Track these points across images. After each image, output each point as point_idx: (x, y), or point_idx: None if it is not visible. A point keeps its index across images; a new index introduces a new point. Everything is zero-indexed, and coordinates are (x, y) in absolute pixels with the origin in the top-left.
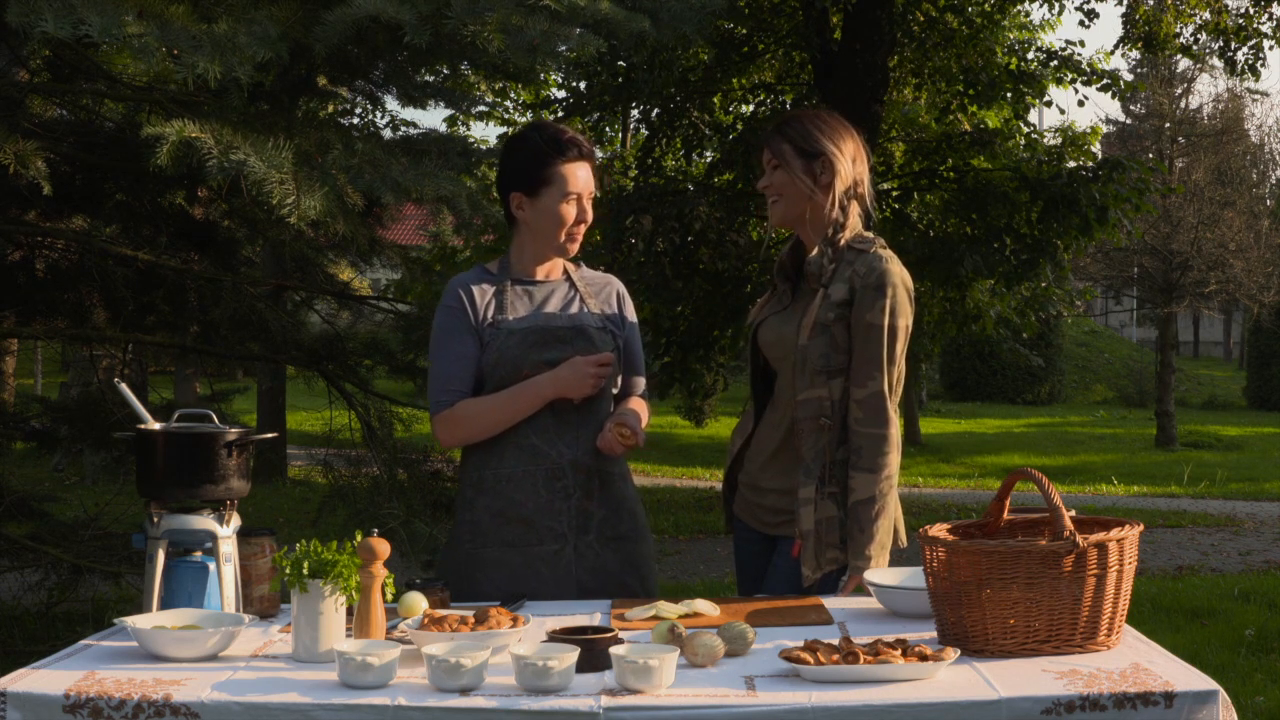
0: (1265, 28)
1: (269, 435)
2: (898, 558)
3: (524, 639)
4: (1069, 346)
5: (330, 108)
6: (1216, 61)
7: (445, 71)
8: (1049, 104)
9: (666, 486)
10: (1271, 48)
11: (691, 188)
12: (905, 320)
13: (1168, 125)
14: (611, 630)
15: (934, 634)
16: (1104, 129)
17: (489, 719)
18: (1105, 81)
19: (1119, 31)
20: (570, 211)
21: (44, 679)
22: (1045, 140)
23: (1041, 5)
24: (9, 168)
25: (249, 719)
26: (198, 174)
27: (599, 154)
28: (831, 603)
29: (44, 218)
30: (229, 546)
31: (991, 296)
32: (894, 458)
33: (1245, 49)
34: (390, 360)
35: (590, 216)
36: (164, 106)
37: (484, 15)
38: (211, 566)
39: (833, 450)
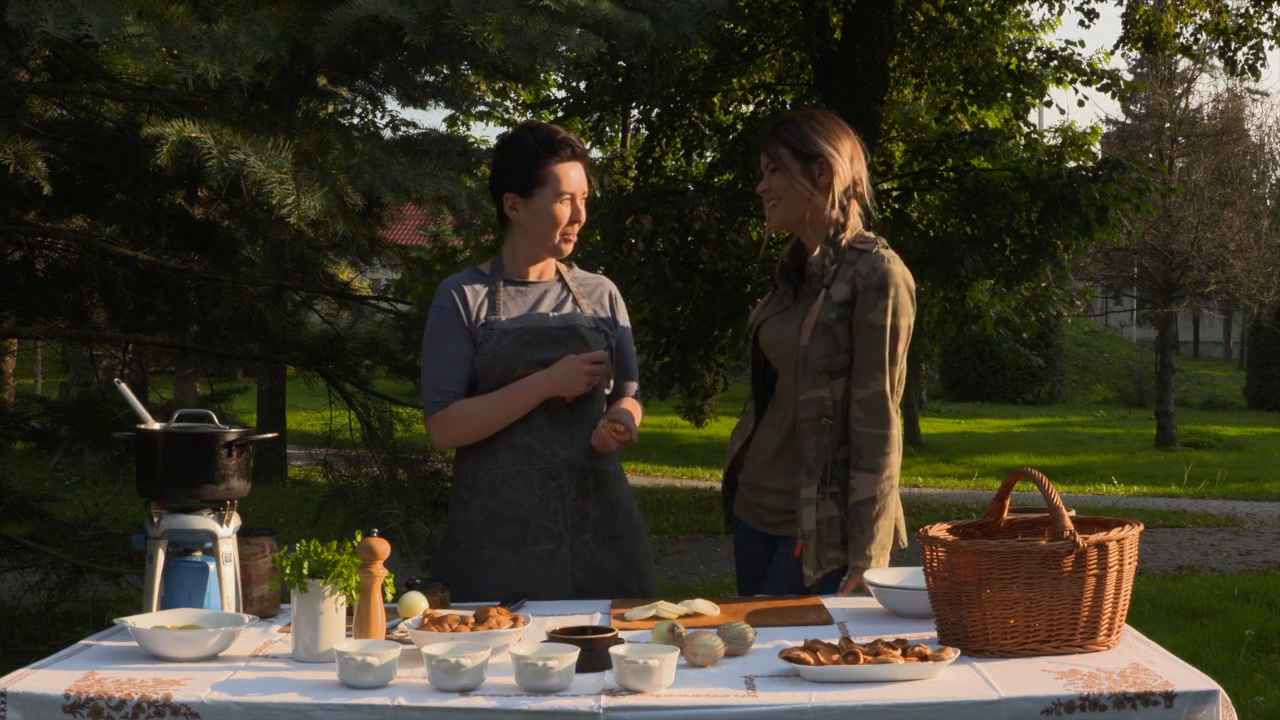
0: (1265, 28)
1: (269, 435)
2: (898, 558)
3: (524, 639)
4: (1069, 346)
5: (330, 108)
6: (1216, 61)
7: (445, 71)
8: (1049, 104)
9: (666, 486)
10: (1271, 48)
11: (691, 188)
12: (907, 320)
13: (1168, 125)
14: (611, 630)
15: (934, 634)
16: (1104, 129)
17: (489, 719)
18: (1105, 81)
19: (1119, 31)
20: (564, 211)
21: (44, 679)
22: (1045, 140)
23: (1041, 5)
24: (9, 168)
25: (249, 719)
26: (198, 174)
27: (599, 154)
28: (831, 603)
29: (44, 218)
30: (229, 546)
31: (991, 296)
32: (895, 458)
33: (1245, 49)
34: (390, 360)
35: (584, 216)
36: (164, 106)
37: (484, 15)
38: (211, 566)
39: (834, 450)
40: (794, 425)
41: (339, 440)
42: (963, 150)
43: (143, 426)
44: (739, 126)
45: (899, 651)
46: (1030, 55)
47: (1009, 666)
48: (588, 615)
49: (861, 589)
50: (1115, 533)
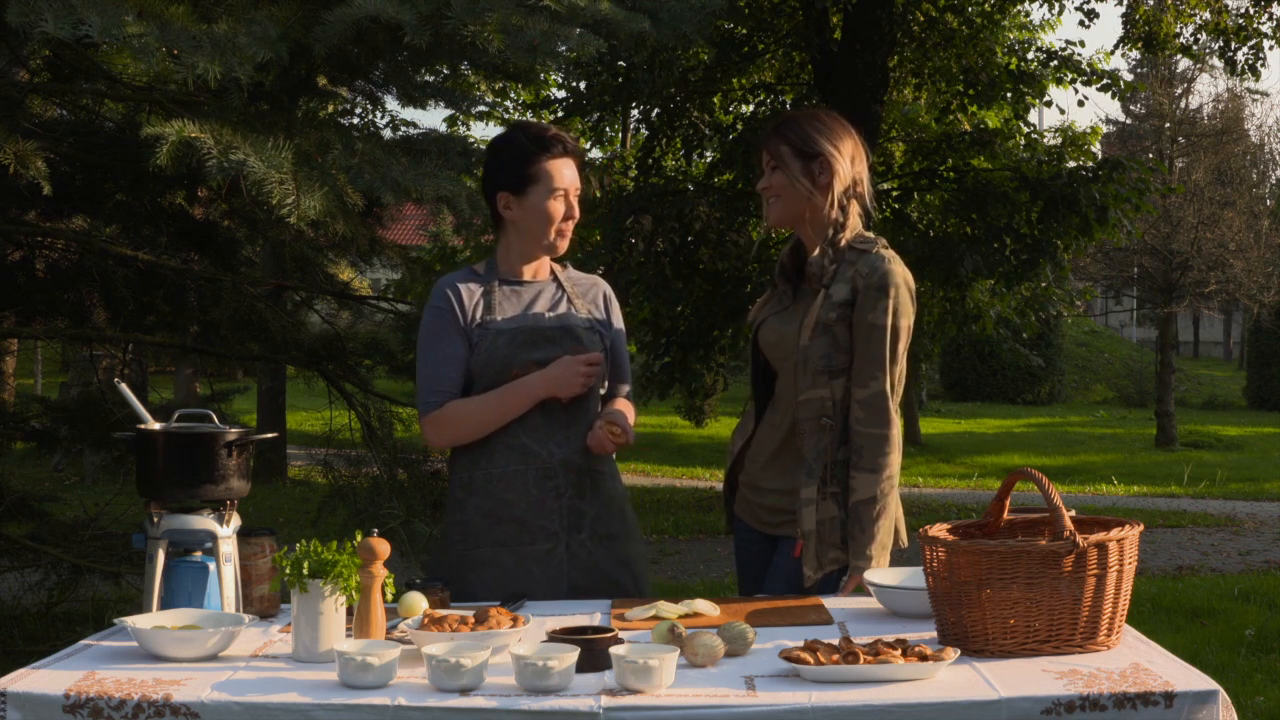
0: (1265, 28)
1: (269, 435)
2: (898, 558)
3: (524, 639)
4: (1069, 346)
5: (330, 108)
6: (1216, 61)
7: (445, 71)
8: (1049, 104)
9: (666, 486)
10: (1271, 48)
11: (691, 188)
12: (907, 320)
13: (1168, 125)
14: (611, 630)
15: (934, 634)
16: (1104, 129)
17: (489, 719)
18: (1105, 81)
19: (1119, 31)
20: (558, 208)
21: (44, 679)
22: (1045, 140)
23: (1041, 5)
24: (9, 168)
25: (249, 719)
26: (198, 174)
27: (599, 154)
28: (831, 603)
29: (44, 218)
30: (229, 546)
31: (991, 296)
32: (895, 458)
33: (1245, 49)
34: (390, 360)
35: (578, 213)
36: (164, 106)
37: (484, 15)
38: (211, 566)
39: (834, 450)
40: (794, 425)
41: (339, 440)
42: (963, 150)
43: (143, 426)
44: (739, 126)
45: (899, 651)
46: (1030, 55)
47: (1009, 666)
48: (588, 615)
49: (861, 589)
50: (1115, 533)
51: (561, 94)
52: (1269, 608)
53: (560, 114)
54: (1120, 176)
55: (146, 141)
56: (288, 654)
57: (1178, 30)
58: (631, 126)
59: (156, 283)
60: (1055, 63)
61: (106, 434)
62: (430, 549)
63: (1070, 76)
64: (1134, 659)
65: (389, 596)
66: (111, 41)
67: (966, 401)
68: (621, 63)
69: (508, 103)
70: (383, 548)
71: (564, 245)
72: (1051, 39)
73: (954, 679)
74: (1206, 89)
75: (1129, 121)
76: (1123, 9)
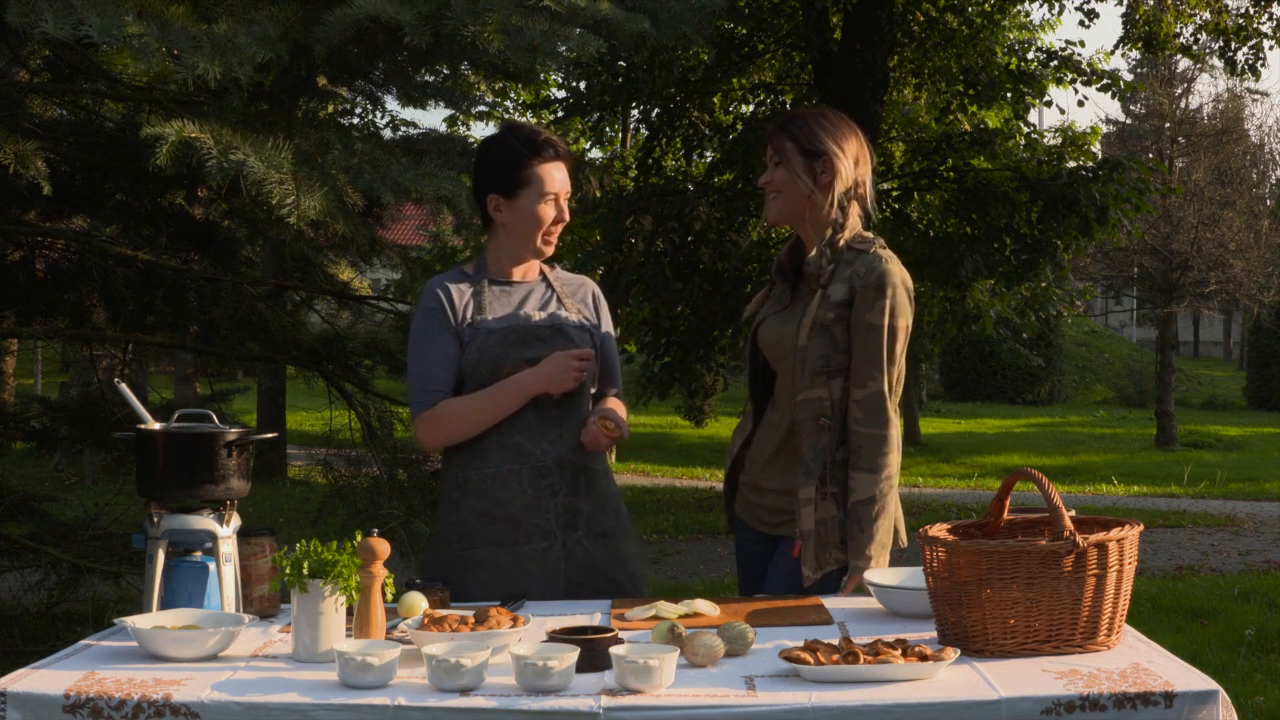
0: (1265, 28)
1: (269, 435)
2: (898, 558)
3: (524, 639)
4: (1069, 346)
5: (330, 108)
6: (1216, 61)
7: (445, 71)
8: (1049, 104)
9: (666, 486)
10: (1271, 48)
11: (691, 188)
12: (905, 320)
13: (1168, 125)
14: (611, 630)
15: (934, 634)
16: (1104, 129)
17: (489, 719)
18: (1105, 81)
19: (1119, 31)
20: (548, 212)
21: (44, 679)
22: (1045, 140)
23: (1041, 5)
24: (9, 168)
25: (249, 719)
26: (198, 174)
27: (599, 154)
28: (831, 603)
29: (44, 218)
30: (229, 546)
31: (991, 296)
32: (894, 458)
33: (1245, 49)
34: (390, 360)
35: (568, 216)
36: (164, 106)
37: (484, 15)
38: (211, 566)
39: (833, 450)
40: (792, 425)
41: (339, 440)
42: (963, 150)
43: (143, 426)
44: (739, 126)
45: (899, 651)
46: (1030, 55)
47: (1009, 666)
48: (588, 615)
49: (861, 589)
50: (1115, 533)
51: (561, 94)
52: (1269, 608)
53: (560, 114)
54: (1120, 176)
55: (146, 141)
56: (288, 654)
57: (1178, 30)
58: (631, 126)
59: (156, 283)
60: (1055, 63)
61: (106, 434)
62: (424, 549)
63: (1070, 76)
64: (1134, 659)
65: (389, 596)
66: (111, 41)
67: (966, 401)
68: (621, 63)
69: (508, 103)
70: (383, 548)
71: (550, 249)
72: (1051, 39)
73: (954, 679)
74: (1206, 89)
75: (1129, 121)
76: (1123, 9)
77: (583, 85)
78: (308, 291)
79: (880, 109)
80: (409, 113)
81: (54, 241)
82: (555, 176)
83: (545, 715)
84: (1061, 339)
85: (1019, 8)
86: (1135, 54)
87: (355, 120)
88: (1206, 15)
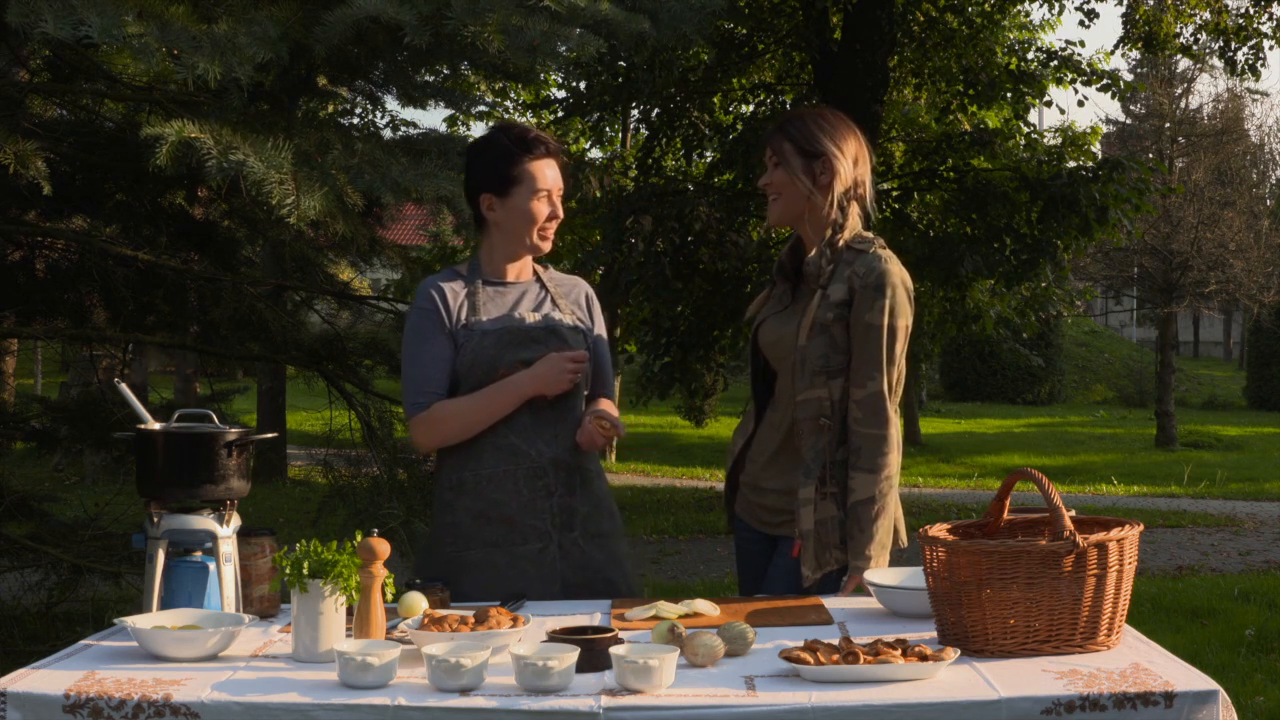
0: (1265, 28)
1: (269, 435)
2: (898, 558)
3: (524, 639)
4: (1069, 346)
5: (330, 108)
6: (1216, 61)
7: (445, 71)
8: (1049, 104)
9: (666, 486)
10: (1271, 48)
11: (691, 188)
12: (905, 320)
13: (1168, 125)
14: (611, 630)
15: (934, 634)
16: (1104, 129)
17: (489, 719)
18: (1105, 81)
19: (1119, 31)
20: (542, 209)
21: (44, 679)
22: (1045, 140)
23: (1041, 5)
24: (9, 168)
25: (249, 719)
26: (198, 174)
27: (599, 154)
28: (831, 603)
29: (44, 218)
30: (229, 546)
31: (991, 296)
32: (894, 458)
33: (1245, 49)
34: (390, 360)
35: (561, 213)
36: (164, 106)
37: (484, 16)
38: (211, 566)
39: (833, 450)
40: (792, 425)
41: (339, 440)
42: (963, 150)
43: (143, 426)
44: (739, 126)
45: (899, 651)
46: (1030, 55)
47: (1009, 666)
48: (588, 615)
49: (861, 589)
50: (1115, 533)
51: (561, 94)
52: (1269, 608)
53: (560, 114)
54: (1120, 176)
55: (146, 141)
56: (288, 654)
57: (1178, 30)
58: (631, 126)
59: (156, 283)
60: (1055, 63)
61: (106, 434)
62: (419, 550)
63: (1070, 76)
64: (1134, 659)
65: (389, 596)
66: (111, 41)
67: (966, 401)
68: (621, 63)
69: (508, 103)
70: (383, 548)
71: (547, 245)
72: (1051, 39)
73: (954, 679)
74: (1206, 89)
75: (1129, 121)
76: (1123, 9)
77: (583, 85)
78: (308, 291)
79: (880, 109)
80: (409, 113)
81: (54, 241)
82: (547, 173)
83: (545, 715)
84: (1061, 339)
85: (1019, 8)
86: (1135, 54)
87: (355, 120)
88: (1206, 15)
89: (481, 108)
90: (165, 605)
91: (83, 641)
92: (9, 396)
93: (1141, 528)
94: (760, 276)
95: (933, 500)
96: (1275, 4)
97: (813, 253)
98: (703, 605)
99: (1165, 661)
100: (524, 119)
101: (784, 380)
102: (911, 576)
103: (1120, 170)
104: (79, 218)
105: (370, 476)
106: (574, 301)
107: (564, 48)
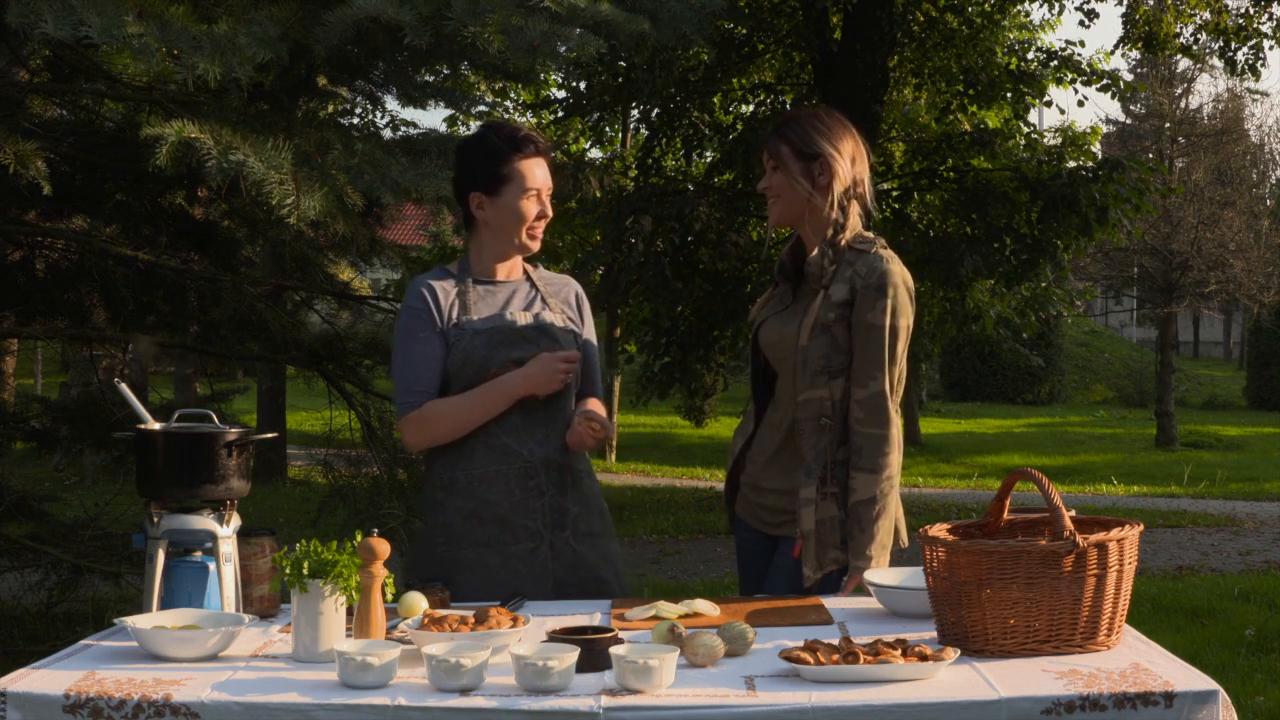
0: (1265, 28)
1: (269, 435)
2: (898, 558)
3: (524, 639)
4: (1069, 346)
5: (330, 108)
6: (1216, 61)
7: (445, 72)
8: (1049, 104)
9: (666, 486)
10: (1271, 48)
11: (691, 188)
12: (906, 320)
13: (1168, 125)
14: (611, 630)
15: (934, 634)
16: (1104, 129)
17: (489, 719)
18: (1105, 81)
19: (1119, 31)
20: (531, 208)
21: (44, 679)
22: (1045, 140)
23: (1041, 5)
24: (9, 168)
25: (249, 719)
26: (198, 174)
27: (599, 154)
28: (831, 603)
29: (44, 218)
30: (229, 546)
31: (991, 296)
32: (895, 458)
33: (1245, 49)
34: (390, 360)
35: (550, 212)
36: (164, 106)
37: (484, 16)
38: (211, 566)
39: (833, 450)
40: (793, 425)
41: (339, 440)
42: (963, 150)
43: (143, 426)
44: (739, 126)
45: (899, 651)
46: (1030, 55)
47: (1009, 666)
48: (588, 615)
49: (861, 589)
50: (1115, 533)
51: (561, 94)
52: (1269, 608)
53: (560, 114)
54: (1120, 176)
55: (146, 141)
56: (288, 654)
57: (1178, 30)
58: (631, 126)
59: (156, 283)
60: (1055, 63)
61: (106, 434)
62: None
63: (1070, 76)
64: (1134, 659)
65: (389, 596)
66: (111, 41)
67: (966, 401)
68: (621, 63)
69: (508, 103)
70: (383, 548)
71: (536, 245)
72: (1051, 39)
73: (954, 679)
74: (1206, 89)
75: (1129, 121)
76: (1123, 9)
77: (583, 85)
78: (308, 291)
79: (880, 109)
80: (409, 113)
81: (54, 241)
82: (537, 172)
83: (545, 715)
84: (1061, 339)
85: (1019, 8)
86: (1135, 54)
87: (355, 120)
88: (1206, 15)
89: (481, 108)
90: (165, 605)
91: (83, 641)
92: (9, 396)
93: (1141, 528)
94: (760, 276)
95: (933, 500)
96: (1275, 4)
97: (814, 253)
98: (703, 605)
99: (1165, 661)
100: (524, 119)
101: (785, 380)
102: (911, 576)
103: (1120, 170)
104: (79, 218)
105: (370, 476)
106: (564, 301)
107: (564, 48)
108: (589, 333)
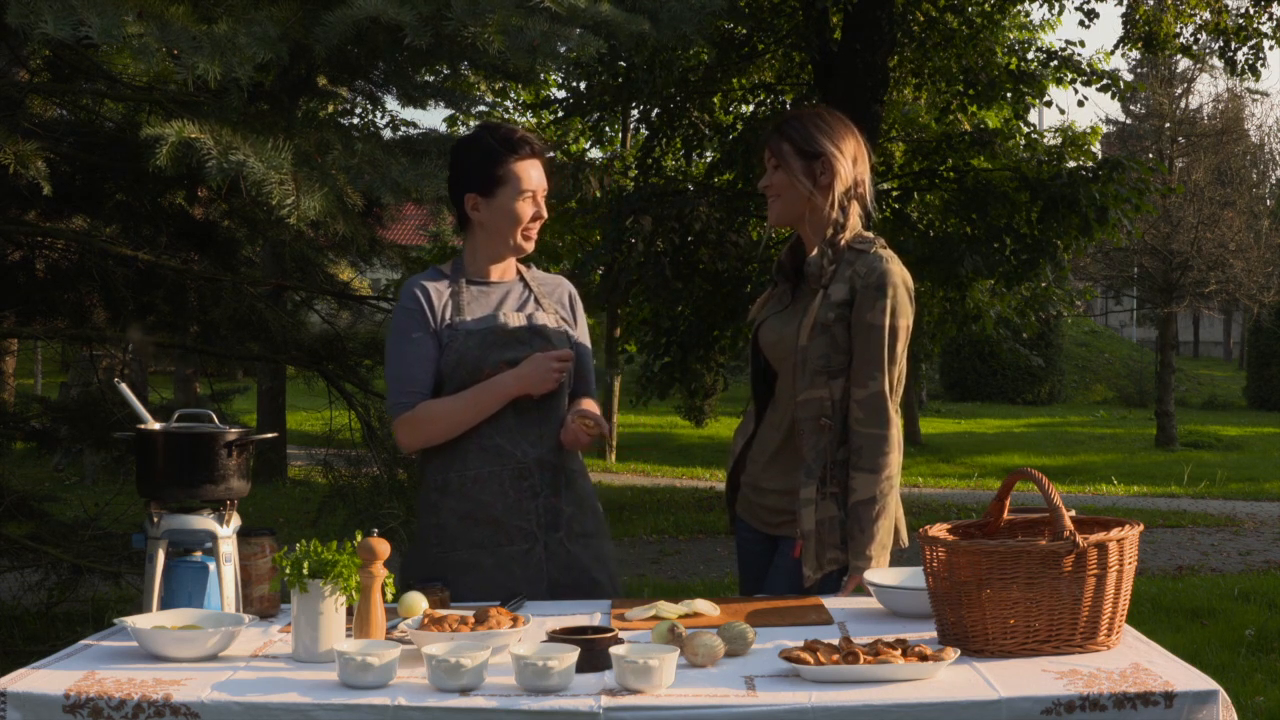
0: (1265, 28)
1: (269, 435)
2: (898, 558)
3: (524, 639)
4: (1069, 346)
5: (330, 108)
6: (1216, 61)
7: (445, 72)
8: (1049, 104)
9: (666, 486)
10: (1271, 48)
11: (691, 188)
12: (906, 320)
13: (1168, 125)
14: (611, 630)
15: (934, 634)
16: (1104, 129)
17: (489, 719)
18: (1105, 81)
19: (1119, 31)
20: (526, 209)
21: (44, 679)
22: (1045, 140)
23: (1041, 5)
24: (9, 168)
25: (249, 719)
26: (198, 174)
27: (599, 154)
28: (831, 603)
29: (44, 218)
30: (229, 546)
31: (991, 296)
32: (895, 458)
33: (1245, 49)
34: None
35: (545, 214)
36: (164, 106)
37: (484, 16)
38: (211, 566)
39: (833, 450)
40: (793, 425)
41: (339, 440)
42: (963, 150)
43: (143, 426)
44: (739, 126)
45: (899, 651)
46: (1030, 55)
47: (1009, 666)
48: (587, 615)
49: (861, 589)
50: (1115, 533)
51: (561, 94)
52: (1269, 608)
53: (560, 114)
54: (1120, 176)
55: (146, 141)
56: (288, 654)
57: (1178, 30)
58: (631, 126)
59: (156, 283)
60: (1055, 63)
61: (106, 434)
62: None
63: (1070, 76)
64: (1134, 659)
65: (389, 596)
66: (111, 41)
67: (966, 401)
68: (621, 63)
69: (508, 103)
70: (383, 548)
71: (530, 246)
72: (1051, 39)
73: (954, 679)
74: (1206, 89)
75: (1129, 121)
76: (1123, 9)
77: (583, 85)
78: (308, 291)
79: (880, 109)
80: (409, 113)
81: (54, 241)
82: (532, 174)
83: (545, 715)
84: (1061, 339)
85: (1019, 8)
86: (1135, 54)
87: (355, 120)
88: (1206, 15)
89: (481, 108)
90: (165, 605)
91: (83, 641)
92: (9, 396)
93: (1141, 528)
94: (760, 276)
95: (933, 500)
96: (1275, 4)
97: (814, 253)
98: (703, 605)
99: (1165, 661)
100: (524, 119)
101: (785, 380)
102: (911, 576)
103: (1120, 170)
104: (79, 218)
105: (370, 476)
106: (557, 301)
107: (564, 48)
108: (582, 333)
